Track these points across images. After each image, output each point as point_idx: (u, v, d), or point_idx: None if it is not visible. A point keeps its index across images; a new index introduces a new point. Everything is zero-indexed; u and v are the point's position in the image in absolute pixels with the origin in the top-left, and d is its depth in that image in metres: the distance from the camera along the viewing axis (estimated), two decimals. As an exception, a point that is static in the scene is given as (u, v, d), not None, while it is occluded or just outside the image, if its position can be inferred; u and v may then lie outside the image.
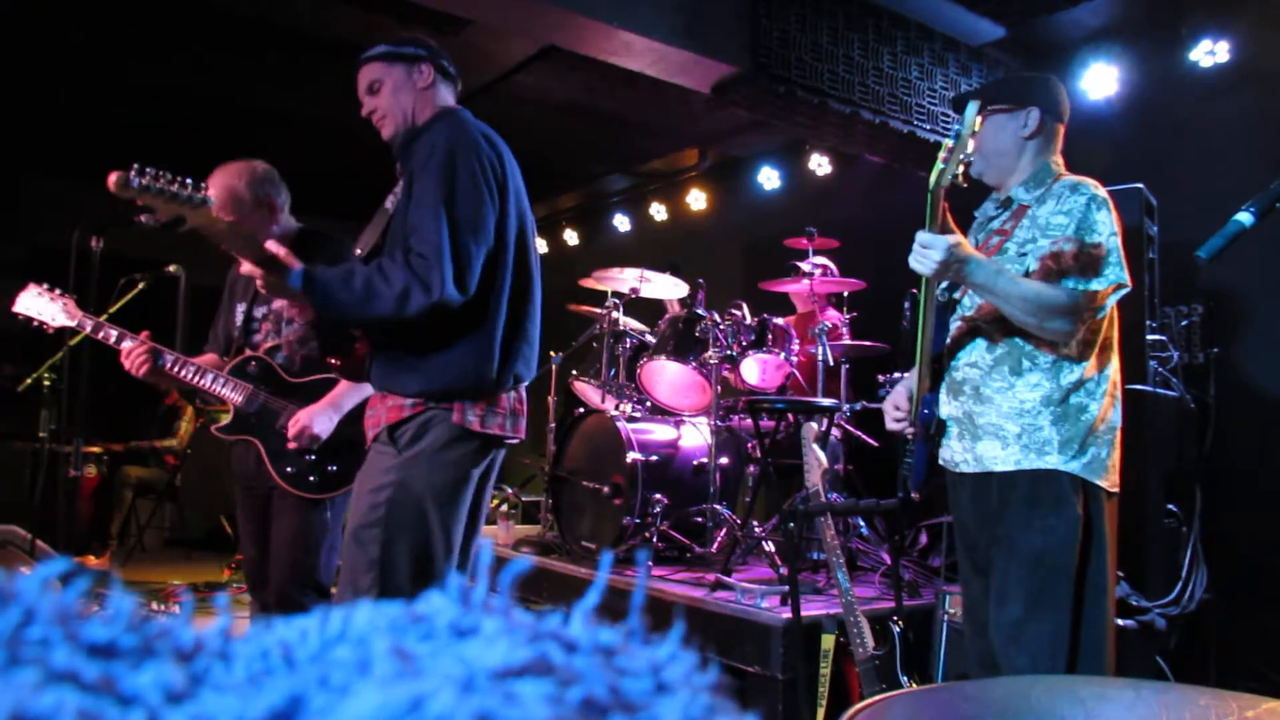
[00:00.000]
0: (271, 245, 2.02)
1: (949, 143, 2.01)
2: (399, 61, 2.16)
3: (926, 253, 1.98)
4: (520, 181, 2.19)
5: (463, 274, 1.94)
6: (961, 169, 2.03)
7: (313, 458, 2.58)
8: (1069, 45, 4.64)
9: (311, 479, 2.58)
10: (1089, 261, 2.02)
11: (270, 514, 2.66)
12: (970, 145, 2.02)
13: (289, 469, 2.58)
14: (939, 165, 2.01)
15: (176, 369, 2.57)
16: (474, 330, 2.04)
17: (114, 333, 2.59)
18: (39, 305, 2.60)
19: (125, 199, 1.96)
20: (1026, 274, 2.07)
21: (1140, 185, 3.55)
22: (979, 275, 2.00)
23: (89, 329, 2.60)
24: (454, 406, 2.05)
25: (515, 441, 2.20)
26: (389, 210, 2.18)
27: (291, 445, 2.53)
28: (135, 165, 1.94)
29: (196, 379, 2.58)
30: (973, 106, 2.00)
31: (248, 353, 2.66)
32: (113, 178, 1.92)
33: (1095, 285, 2.01)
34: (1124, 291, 2.06)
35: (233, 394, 2.59)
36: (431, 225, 1.93)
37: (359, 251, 2.23)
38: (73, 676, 0.27)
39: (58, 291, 2.63)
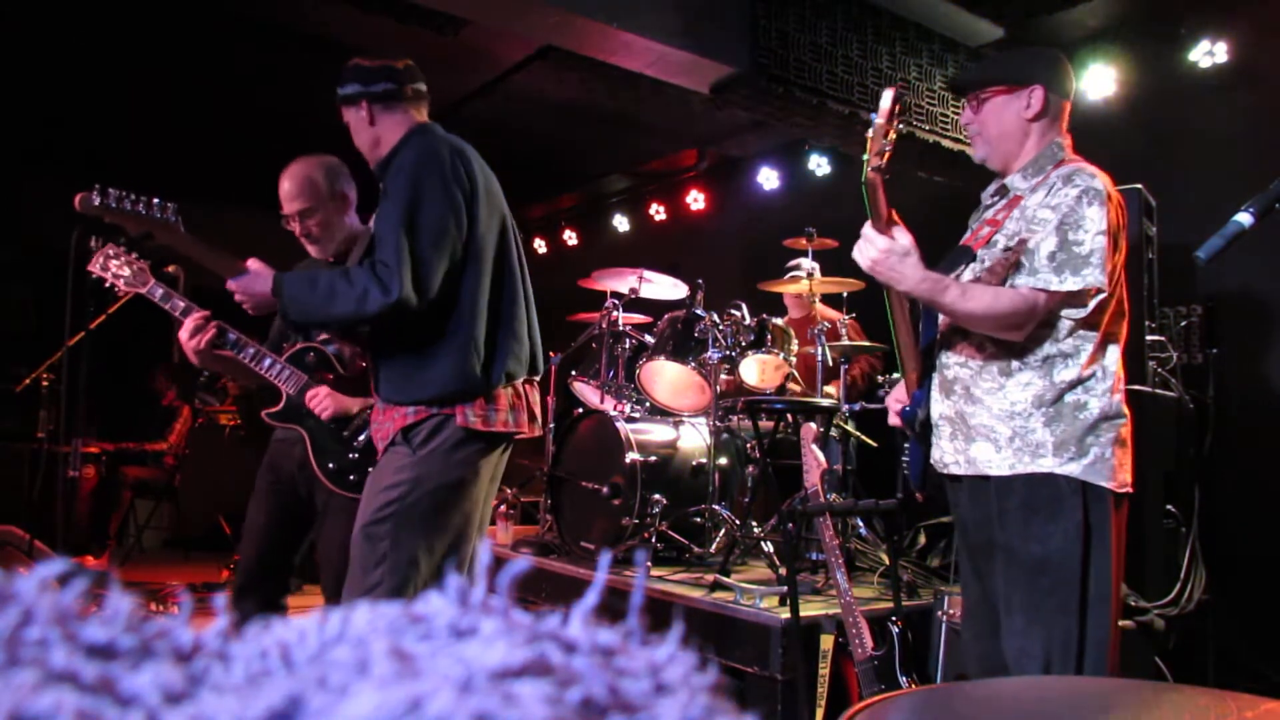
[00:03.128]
0: (253, 263, 2.18)
1: (869, 133, 1.92)
2: (348, 105, 2.30)
3: (865, 247, 1.92)
4: (496, 187, 2.30)
5: (420, 279, 2.06)
6: (885, 157, 1.93)
7: (355, 455, 2.58)
8: (1068, 46, 4.63)
9: (351, 478, 2.58)
10: (1065, 260, 1.92)
11: (298, 518, 2.66)
12: (889, 134, 1.92)
13: (330, 464, 2.58)
14: (864, 157, 1.93)
15: (238, 348, 2.56)
16: (456, 335, 2.14)
17: (181, 303, 2.54)
18: (113, 267, 2.53)
19: (92, 216, 2.08)
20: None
21: (1139, 186, 3.55)
22: (921, 290, 1.91)
23: (158, 297, 2.54)
24: (455, 410, 2.14)
25: (524, 436, 2.28)
26: (372, 230, 2.28)
27: (321, 415, 2.54)
28: (98, 186, 2.11)
29: (254, 362, 2.57)
30: (888, 95, 1.91)
31: (299, 344, 2.66)
32: (78, 198, 2.11)
33: (1066, 285, 1.91)
34: (1100, 297, 1.93)
35: (286, 382, 2.60)
36: (392, 234, 2.06)
37: None
38: (71, 677, 0.27)
39: (135, 255, 2.56)
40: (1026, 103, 2.08)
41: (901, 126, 1.96)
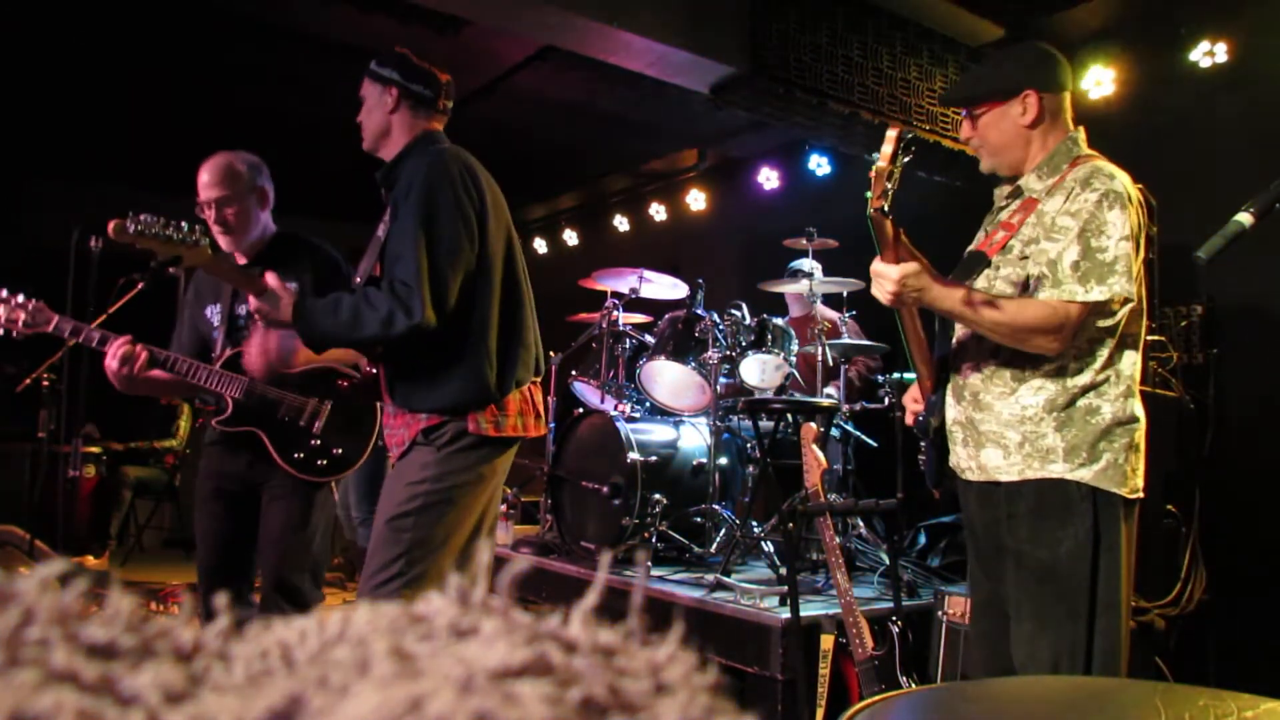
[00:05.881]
0: (271, 278, 2.18)
1: (871, 174, 1.90)
2: (376, 81, 2.33)
3: (880, 281, 1.91)
4: (502, 200, 2.34)
5: (440, 299, 2.12)
6: (889, 197, 1.89)
7: (318, 442, 2.60)
8: (1068, 46, 4.63)
9: (320, 462, 2.61)
10: (1090, 269, 1.88)
11: (250, 513, 2.66)
12: (894, 174, 1.89)
13: (297, 455, 2.59)
14: (868, 195, 1.90)
15: (172, 364, 2.54)
16: (472, 348, 2.21)
17: (96, 334, 2.50)
18: (4, 313, 2.45)
19: (124, 243, 2.13)
20: (1026, 282, 1.95)
21: (1139, 186, 3.55)
22: (945, 304, 1.91)
23: (67, 332, 2.48)
24: (468, 418, 2.21)
25: (534, 436, 2.36)
26: (381, 238, 2.31)
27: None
28: (130, 213, 2.15)
29: (191, 374, 2.55)
30: (890, 136, 1.88)
31: (228, 351, 2.64)
32: (111, 225, 2.16)
33: (1093, 295, 1.86)
34: (1129, 306, 1.90)
35: (230, 388, 2.58)
36: (411, 255, 2.10)
37: (358, 279, 2.37)
38: (72, 677, 0.27)
39: (22, 297, 2.49)
40: (1021, 109, 2.04)
41: (907, 159, 1.92)
